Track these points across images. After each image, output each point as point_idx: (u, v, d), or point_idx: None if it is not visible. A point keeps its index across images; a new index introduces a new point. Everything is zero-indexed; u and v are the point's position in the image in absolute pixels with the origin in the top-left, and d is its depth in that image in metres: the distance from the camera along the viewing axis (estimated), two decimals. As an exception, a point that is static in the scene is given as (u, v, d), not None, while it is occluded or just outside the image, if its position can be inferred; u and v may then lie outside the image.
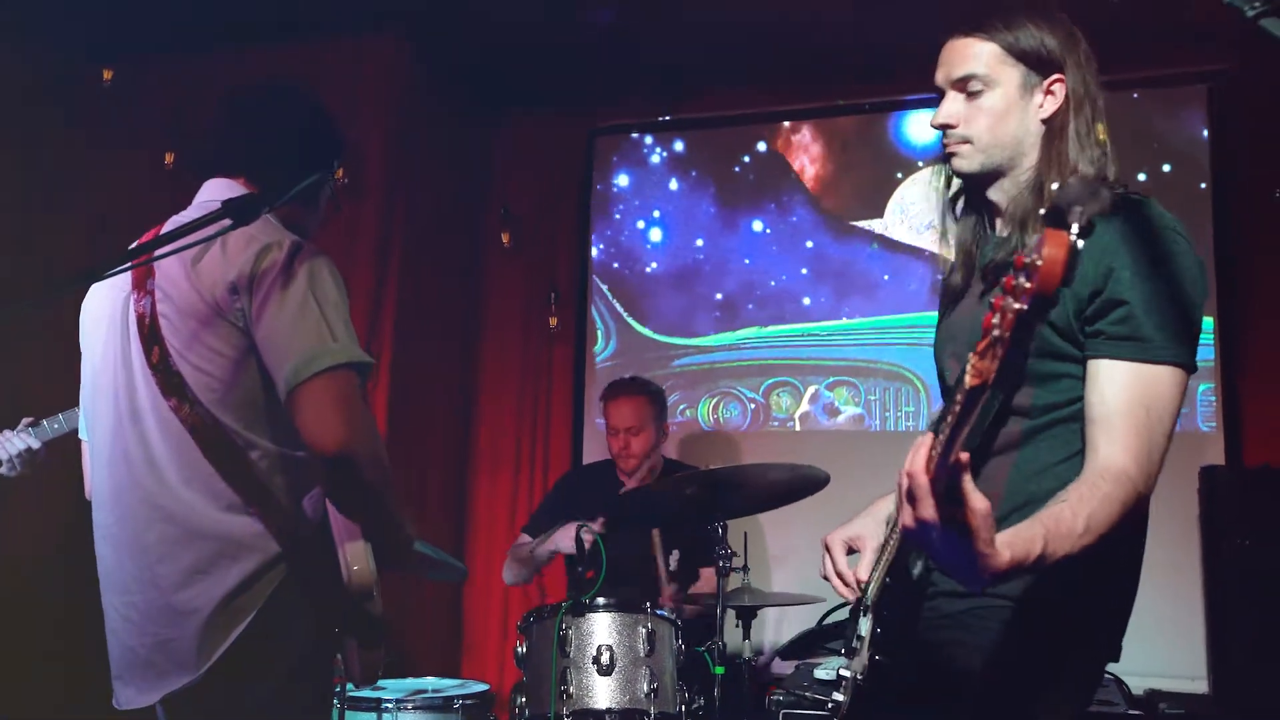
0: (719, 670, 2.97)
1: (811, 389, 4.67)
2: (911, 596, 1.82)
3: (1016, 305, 1.09)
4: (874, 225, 4.76)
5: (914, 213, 4.76)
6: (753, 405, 4.74)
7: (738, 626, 3.28)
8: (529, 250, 5.05)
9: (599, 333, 5.00)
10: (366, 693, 3.23)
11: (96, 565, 2.01)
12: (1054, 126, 1.75)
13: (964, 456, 1.29)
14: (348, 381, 1.79)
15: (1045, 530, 1.45)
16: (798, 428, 4.70)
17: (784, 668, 3.92)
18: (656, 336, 4.91)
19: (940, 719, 1.74)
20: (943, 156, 1.83)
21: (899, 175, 4.75)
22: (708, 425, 4.81)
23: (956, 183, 1.92)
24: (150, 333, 1.89)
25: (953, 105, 1.77)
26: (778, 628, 4.28)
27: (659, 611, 2.96)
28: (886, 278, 4.67)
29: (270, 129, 2.05)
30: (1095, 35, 1.82)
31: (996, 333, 1.12)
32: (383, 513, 1.89)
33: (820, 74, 4.72)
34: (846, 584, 1.93)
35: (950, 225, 1.93)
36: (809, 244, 4.81)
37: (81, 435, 2.16)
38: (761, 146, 4.94)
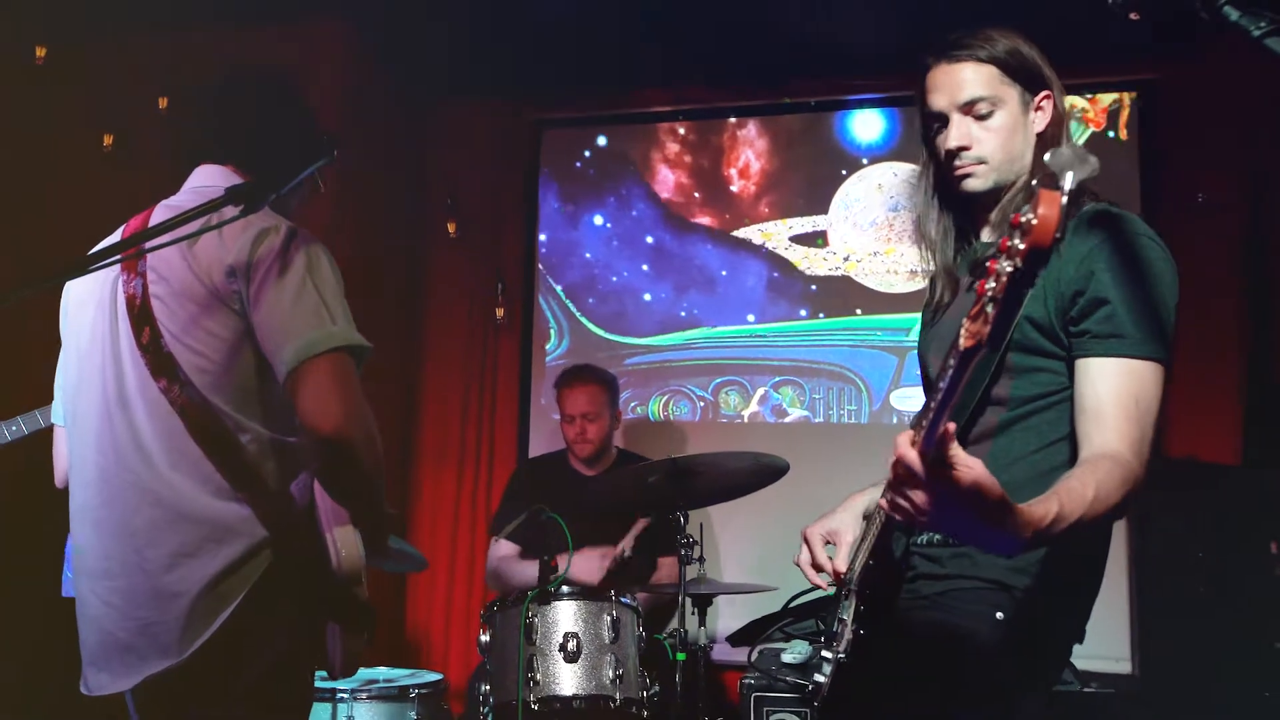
0: (680, 656, 3.03)
1: (760, 389, 4.77)
2: (893, 578, 1.91)
3: (1010, 266, 1.16)
4: (818, 222, 4.86)
5: (858, 210, 4.87)
6: (702, 403, 4.83)
7: (694, 614, 3.34)
8: (475, 241, 5.04)
9: (551, 331, 5.03)
10: (320, 683, 3.21)
11: (71, 552, 1.99)
12: (1046, 139, 1.86)
13: (950, 427, 1.38)
14: (346, 365, 1.80)
15: (1058, 495, 1.52)
16: (746, 425, 4.79)
17: (728, 654, 4.00)
18: (608, 335, 4.96)
19: (920, 696, 1.81)
20: (952, 179, 1.89)
21: (844, 172, 4.85)
22: (658, 422, 4.88)
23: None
24: (141, 314, 1.88)
25: (963, 128, 1.85)
26: (722, 615, 4.35)
27: (623, 599, 3.01)
28: (814, 288, 4.81)
29: (267, 116, 2.05)
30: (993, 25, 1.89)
31: (990, 293, 1.19)
32: (373, 499, 1.88)
33: (768, 71, 4.81)
34: (809, 578, 2.01)
35: (939, 245, 2.00)
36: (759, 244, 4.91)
37: (55, 421, 2.12)
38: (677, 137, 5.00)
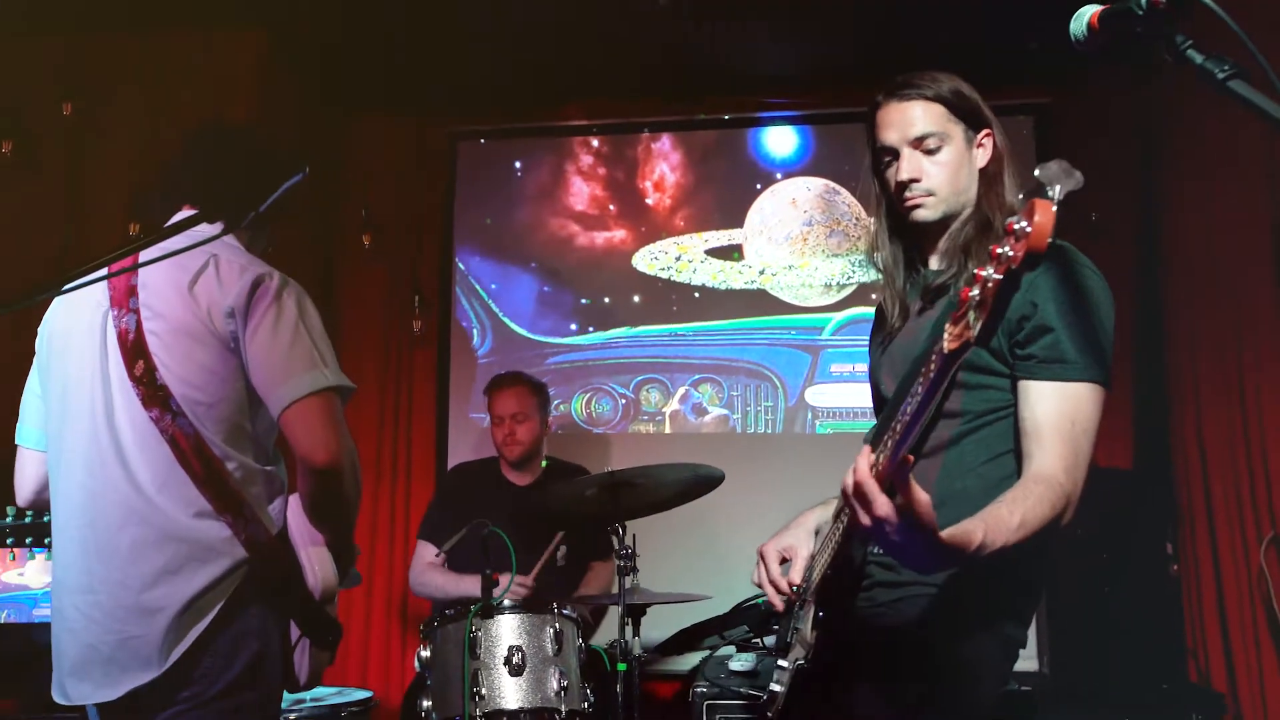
0: (621, 667, 3.07)
1: (679, 387, 4.88)
2: (849, 586, 1.99)
3: (1001, 270, 1.26)
4: (734, 236, 4.97)
5: (773, 224, 4.99)
6: (624, 400, 4.92)
7: (628, 624, 3.37)
8: (390, 254, 5.00)
9: (474, 331, 5.05)
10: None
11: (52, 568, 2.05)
12: (988, 174, 1.98)
13: (909, 458, 1.49)
14: (336, 403, 1.98)
15: (985, 524, 1.64)
16: (666, 422, 4.90)
17: (657, 663, 4.06)
18: (531, 335, 5.02)
19: (880, 700, 1.90)
20: (902, 209, 1.99)
21: (758, 187, 4.97)
22: (581, 419, 4.95)
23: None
24: (134, 348, 1.98)
25: (913, 161, 1.95)
26: (646, 626, 4.39)
27: (564, 611, 3.03)
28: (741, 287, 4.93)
29: (237, 163, 2.15)
30: (933, 68, 2.02)
31: (978, 297, 1.29)
32: (350, 525, 2.06)
33: (683, 87, 4.90)
34: (780, 591, 2.08)
35: (891, 273, 2.10)
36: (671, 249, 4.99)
37: (20, 442, 2.20)
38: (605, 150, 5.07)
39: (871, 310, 4.76)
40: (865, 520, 1.53)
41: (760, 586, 2.14)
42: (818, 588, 2.00)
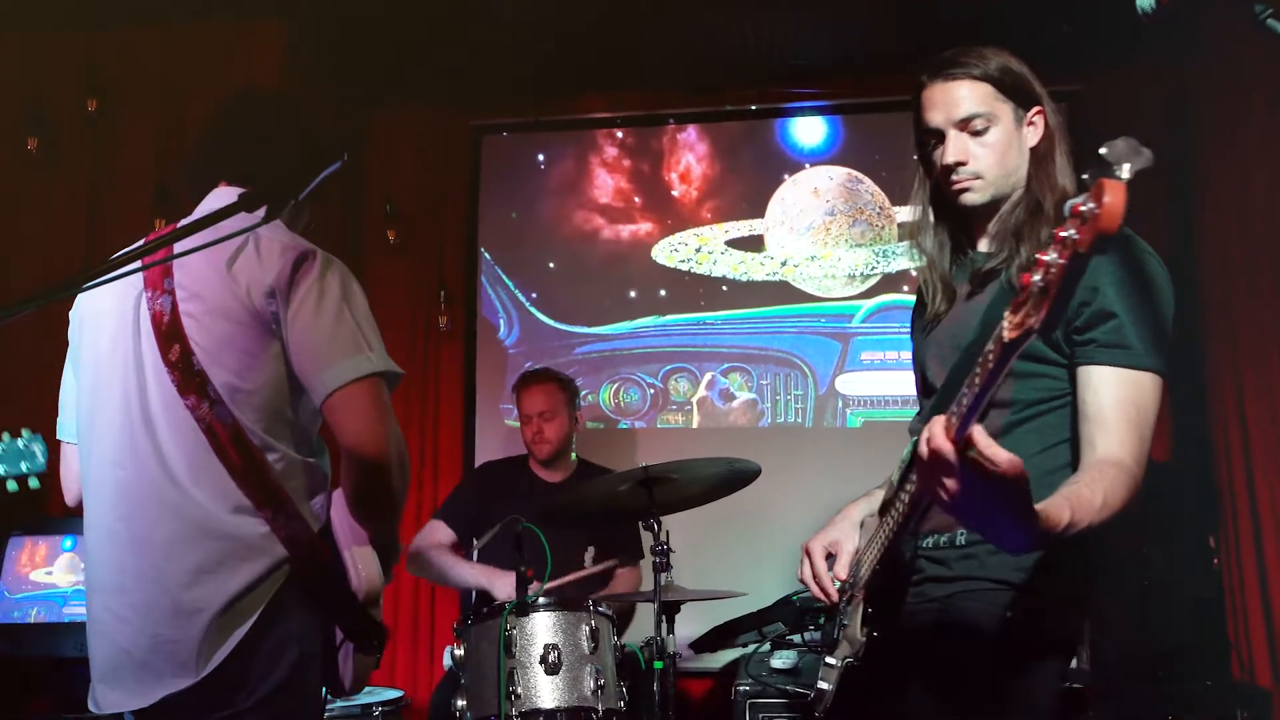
0: (658, 665, 3.02)
1: (708, 375, 4.82)
2: (899, 582, 1.93)
3: (1066, 255, 1.19)
4: (755, 226, 4.90)
5: (794, 214, 4.92)
6: (652, 390, 4.87)
7: (662, 622, 3.32)
8: (416, 248, 4.96)
9: (501, 321, 5.01)
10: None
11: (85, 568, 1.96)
12: (1039, 154, 1.91)
13: (978, 429, 1.41)
14: (383, 390, 1.86)
15: (1070, 502, 1.57)
16: (695, 411, 4.84)
17: (691, 661, 4.01)
18: (558, 325, 4.96)
19: (935, 695, 1.84)
20: (949, 193, 1.92)
21: (785, 177, 4.90)
22: (609, 409, 4.90)
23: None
24: (170, 330, 1.87)
25: (959, 144, 1.88)
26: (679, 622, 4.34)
27: (600, 608, 2.98)
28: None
29: (271, 136, 2.04)
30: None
31: (1041, 283, 1.22)
32: (395, 521, 1.95)
33: (708, 77, 4.84)
34: (825, 587, 2.03)
35: (936, 257, 2.03)
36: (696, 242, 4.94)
37: (63, 438, 2.10)
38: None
39: (902, 297, 4.79)
40: (943, 489, 1.43)
41: (805, 583, 2.09)
42: (867, 583, 1.94)
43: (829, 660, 2.04)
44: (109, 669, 1.87)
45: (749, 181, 4.96)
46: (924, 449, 1.47)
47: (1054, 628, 1.83)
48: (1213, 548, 4.10)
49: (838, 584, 2.03)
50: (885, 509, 1.94)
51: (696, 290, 4.91)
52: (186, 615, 1.80)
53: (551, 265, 5.03)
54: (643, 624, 3.89)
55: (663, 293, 4.93)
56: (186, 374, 1.85)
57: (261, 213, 1.68)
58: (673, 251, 4.97)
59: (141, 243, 2.00)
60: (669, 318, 4.90)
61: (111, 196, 4.26)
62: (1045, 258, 1.21)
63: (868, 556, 1.96)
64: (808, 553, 2.09)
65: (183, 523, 1.83)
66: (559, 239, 5.03)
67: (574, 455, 4.13)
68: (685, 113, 5.02)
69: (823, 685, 2.06)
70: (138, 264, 1.77)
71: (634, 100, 5.02)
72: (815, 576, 2.06)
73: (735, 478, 3.13)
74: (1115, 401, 1.73)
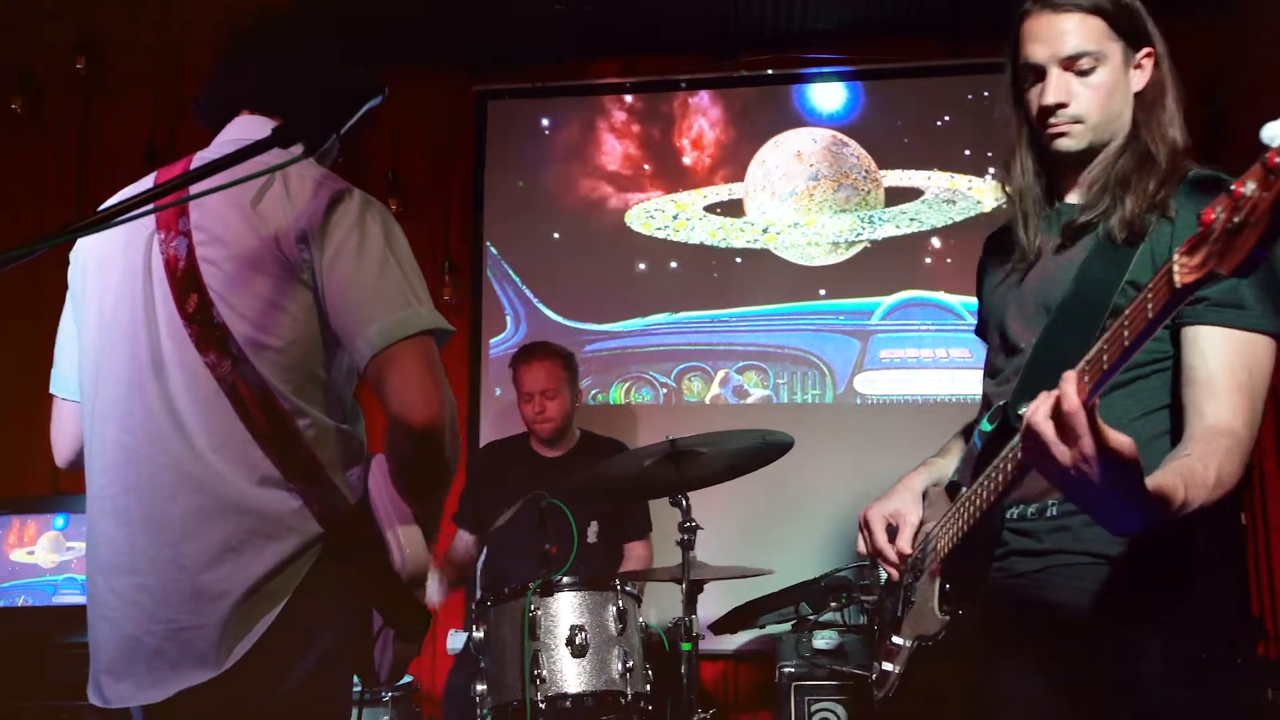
0: (686, 646, 2.88)
1: (721, 373, 4.64)
2: (982, 556, 1.79)
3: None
4: (734, 191, 4.73)
5: (776, 178, 4.75)
6: (665, 389, 4.67)
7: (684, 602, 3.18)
8: (419, 218, 4.78)
9: (507, 318, 4.80)
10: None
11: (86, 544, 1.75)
12: (1147, 100, 1.75)
13: (1095, 401, 1.31)
14: (434, 349, 1.65)
15: (1183, 479, 1.44)
16: (707, 404, 4.66)
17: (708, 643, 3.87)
18: (566, 321, 4.75)
19: (1032, 677, 1.71)
20: (1044, 136, 1.78)
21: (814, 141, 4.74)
22: (618, 406, 4.70)
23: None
24: (186, 278, 1.66)
25: (1062, 83, 1.72)
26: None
27: (627, 588, 2.84)
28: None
29: (308, 60, 1.84)
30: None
31: (1238, 221, 1.08)
32: (444, 495, 1.75)
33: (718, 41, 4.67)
34: (892, 560, 1.90)
35: (1026, 203, 1.87)
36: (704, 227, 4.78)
37: (56, 392, 1.88)
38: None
39: (922, 293, 4.64)
40: (1067, 459, 1.31)
41: (870, 555, 1.95)
42: (945, 559, 1.80)
43: (895, 640, 1.91)
44: (116, 658, 1.66)
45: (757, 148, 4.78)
46: (1038, 416, 1.34)
47: (1157, 604, 1.70)
48: (1242, 524, 3.99)
49: (904, 559, 1.90)
50: (975, 476, 1.81)
51: (709, 263, 4.73)
52: (207, 600, 1.61)
53: (558, 247, 4.84)
54: (655, 603, 3.76)
55: (674, 264, 4.76)
56: (206, 327, 1.64)
57: (298, 149, 1.52)
58: (649, 218, 4.78)
59: (151, 179, 1.82)
60: (682, 314, 4.70)
61: (101, 157, 4.07)
62: (1243, 189, 1.06)
63: (944, 530, 1.82)
64: (868, 523, 1.95)
65: (202, 496, 1.63)
66: (565, 211, 4.85)
67: (577, 430, 3.98)
68: (698, 78, 4.84)
69: (887, 667, 1.93)
70: (150, 205, 1.55)
71: (646, 64, 4.84)
72: (878, 549, 1.92)
73: (767, 450, 2.99)
74: (1226, 365, 1.60)
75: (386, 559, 1.69)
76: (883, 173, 4.69)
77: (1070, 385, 1.30)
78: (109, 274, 1.75)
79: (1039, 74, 1.75)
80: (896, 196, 4.68)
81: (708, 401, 4.65)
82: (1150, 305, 1.21)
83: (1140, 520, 1.39)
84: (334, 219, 1.64)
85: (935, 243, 4.60)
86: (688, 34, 4.65)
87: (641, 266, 4.77)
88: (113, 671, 1.66)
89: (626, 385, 4.69)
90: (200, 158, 1.78)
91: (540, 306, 4.79)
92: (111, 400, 1.71)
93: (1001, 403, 1.79)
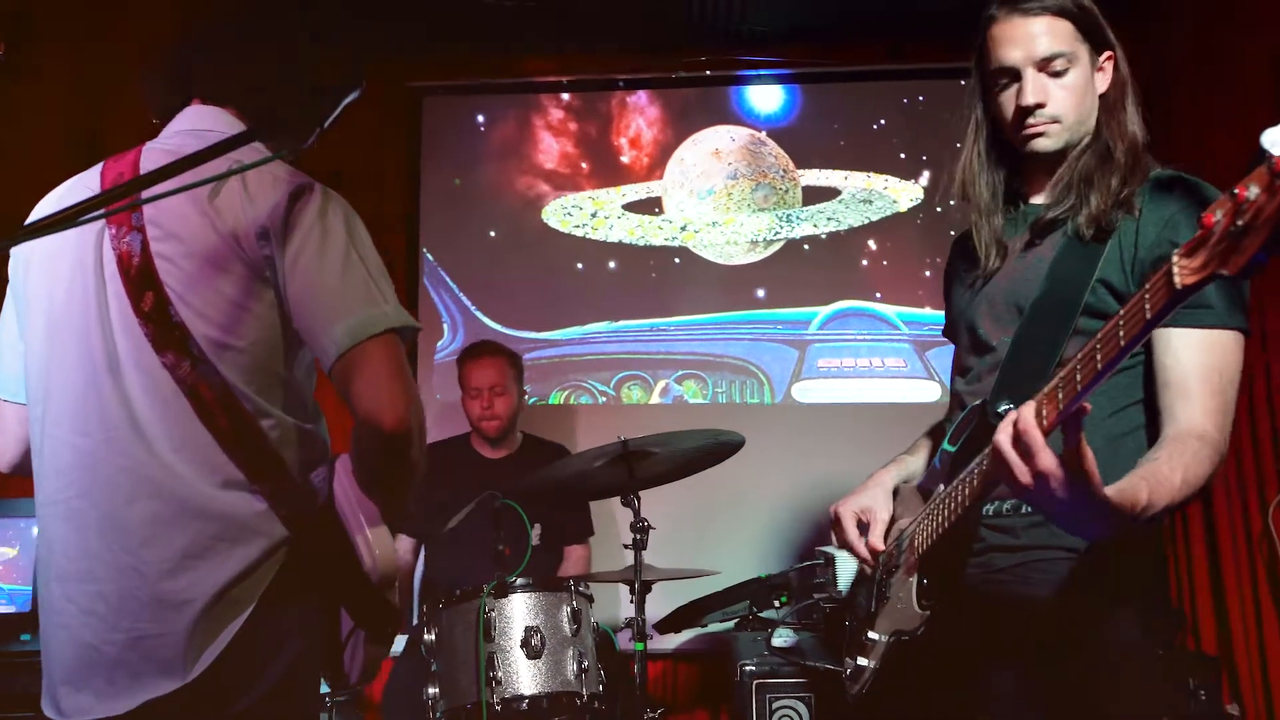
0: (639, 646, 2.87)
1: (661, 382, 4.63)
2: (959, 551, 1.82)
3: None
4: (653, 189, 4.74)
5: (694, 176, 4.75)
6: (604, 398, 4.64)
7: (632, 602, 3.17)
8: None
9: (445, 326, 4.72)
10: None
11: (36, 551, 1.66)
12: (1109, 101, 1.80)
13: (1087, 406, 1.36)
14: (400, 347, 1.60)
15: (1146, 482, 1.49)
16: (650, 406, 4.65)
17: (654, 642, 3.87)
18: (505, 329, 4.68)
19: (1011, 673, 1.73)
20: (1019, 137, 1.81)
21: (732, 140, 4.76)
22: (557, 406, 4.66)
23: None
24: (140, 275, 1.58)
25: (1039, 84, 1.76)
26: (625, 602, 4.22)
27: (580, 588, 2.82)
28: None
29: (271, 51, 1.76)
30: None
31: (1242, 224, 1.10)
32: (410, 496, 1.68)
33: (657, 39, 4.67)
34: (861, 555, 1.93)
35: (989, 207, 1.90)
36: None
37: (1, 395, 1.78)
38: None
39: (859, 303, 4.69)
40: (1025, 478, 1.38)
41: (844, 549, 1.97)
42: (924, 555, 1.82)
43: (870, 635, 1.92)
44: (74, 669, 1.59)
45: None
46: (1003, 436, 1.41)
47: (1141, 604, 1.74)
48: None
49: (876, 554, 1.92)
50: (951, 477, 1.84)
51: (647, 263, 4.72)
52: (170, 607, 1.55)
53: (493, 234, 4.78)
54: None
55: (612, 264, 4.74)
56: (163, 327, 1.57)
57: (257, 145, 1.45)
58: (566, 215, 4.74)
59: (97, 172, 1.72)
60: (621, 323, 4.68)
61: (18, 148, 3.88)
62: (1246, 193, 1.08)
63: (920, 526, 1.84)
64: (838, 517, 1.97)
65: (163, 500, 1.56)
66: (502, 207, 4.79)
67: (520, 433, 3.94)
68: (636, 78, 4.83)
69: (861, 662, 1.94)
70: (114, 204, 1.46)
71: (584, 62, 4.81)
72: (849, 543, 1.94)
73: (719, 449, 2.99)
74: (1198, 367, 1.64)
75: (356, 560, 1.65)
76: (800, 172, 4.72)
77: (1026, 409, 1.37)
78: (57, 269, 1.66)
79: (1013, 76, 1.78)
80: (814, 196, 4.71)
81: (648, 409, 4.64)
82: (1148, 306, 1.24)
83: (1103, 529, 1.46)
84: (295, 215, 1.58)
85: (872, 247, 4.66)
86: (628, 32, 4.62)
87: (579, 266, 4.74)
88: (71, 682, 1.59)
89: (565, 394, 4.66)
90: (151, 148, 1.71)
91: (477, 314, 4.72)
92: (64, 402, 1.63)
93: (976, 401, 1.82)
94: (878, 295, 4.62)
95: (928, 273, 4.59)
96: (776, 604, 3.47)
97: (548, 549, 3.73)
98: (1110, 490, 1.41)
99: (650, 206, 4.74)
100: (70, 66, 3.94)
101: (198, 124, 1.72)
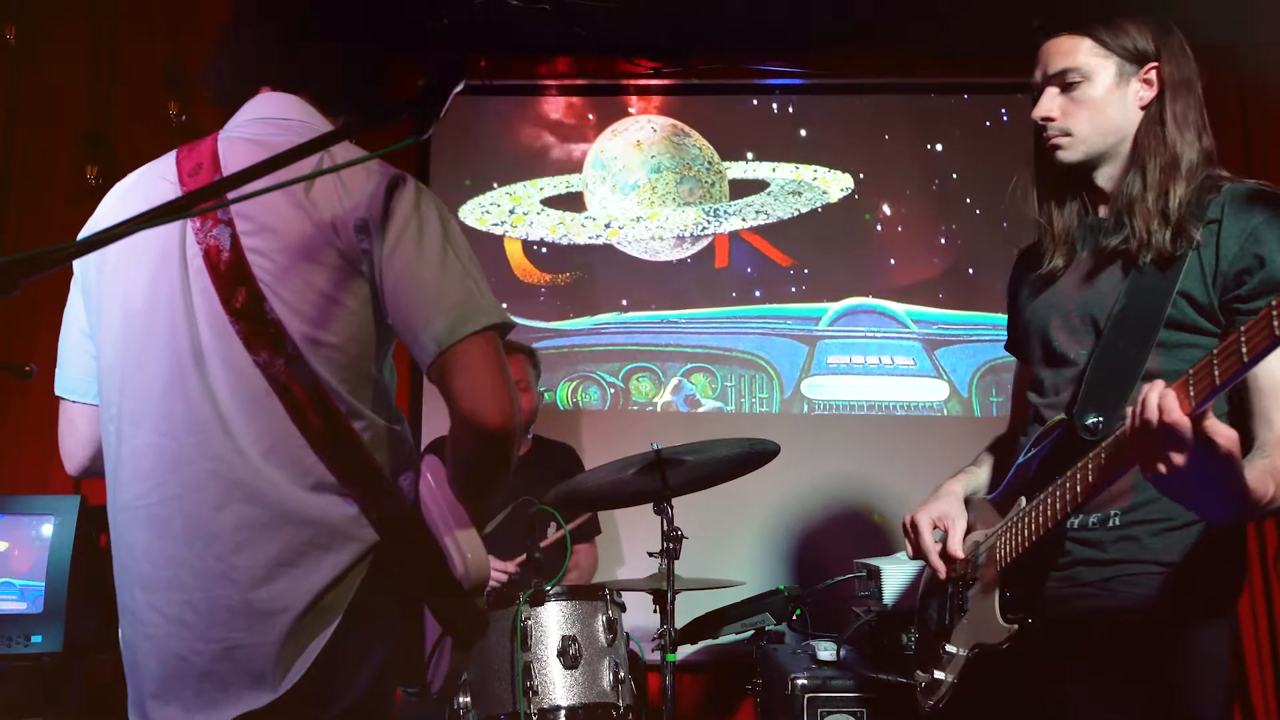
0: (671, 658, 2.82)
1: (672, 377, 4.58)
2: (1043, 564, 1.80)
3: None
4: (573, 183, 4.66)
5: (616, 169, 4.67)
6: (612, 390, 4.58)
7: (655, 612, 3.13)
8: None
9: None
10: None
11: (113, 557, 1.59)
12: (1151, 113, 1.84)
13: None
14: (500, 345, 1.56)
15: (1271, 476, 1.51)
16: (657, 412, 4.59)
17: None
18: (513, 318, 4.58)
19: (1102, 688, 1.71)
20: (1047, 150, 1.89)
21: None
22: (567, 408, 4.59)
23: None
24: (232, 271, 1.52)
25: (1050, 99, 1.87)
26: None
27: (616, 597, 2.77)
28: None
29: (338, 34, 1.70)
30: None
31: None
32: (496, 496, 1.64)
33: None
34: (941, 564, 1.92)
35: (1053, 212, 1.96)
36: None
37: (64, 394, 1.71)
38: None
39: (869, 301, 4.67)
40: (1179, 463, 1.39)
41: (921, 558, 1.96)
42: (1007, 567, 1.80)
43: (949, 649, 1.90)
44: (163, 680, 1.52)
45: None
46: (1154, 416, 1.38)
47: (1224, 620, 1.74)
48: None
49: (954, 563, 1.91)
50: (1013, 491, 1.83)
51: (660, 278, 4.68)
52: (263, 617, 1.49)
53: (503, 244, 4.72)
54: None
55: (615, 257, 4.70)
56: (256, 323, 1.51)
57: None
58: (484, 214, 4.65)
59: (171, 159, 1.66)
60: (632, 314, 4.62)
61: (32, 136, 3.79)
62: None
63: (1004, 538, 1.82)
64: (915, 525, 1.95)
65: (255, 506, 1.50)
66: (511, 215, 4.73)
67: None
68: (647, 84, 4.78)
69: (938, 675, 1.92)
70: (208, 202, 1.38)
71: (589, 66, 4.76)
72: (926, 551, 1.93)
73: (753, 458, 2.95)
74: None
75: (446, 566, 1.59)
76: (726, 164, 4.66)
77: (1169, 399, 1.38)
78: (136, 264, 1.59)
79: (1038, 93, 1.89)
80: (741, 189, 4.65)
81: (658, 405, 4.58)
82: (1245, 342, 1.30)
83: (1236, 511, 1.48)
84: (392, 207, 1.53)
85: (884, 250, 4.64)
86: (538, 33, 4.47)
87: (593, 274, 4.69)
88: (160, 695, 1.52)
89: (574, 384, 4.58)
90: (229, 137, 1.65)
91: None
92: (145, 402, 1.56)
93: (1058, 415, 1.81)
94: (889, 295, 4.58)
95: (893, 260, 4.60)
96: (794, 617, 3.44)
97: (556, 552, 3.68)
98: (1248, 475, 1.44)
99: (571, 202, 4.63)
100: (81, 50, 3.84)
101: (275, 112, 1.66)
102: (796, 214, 4.61)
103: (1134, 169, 1.82)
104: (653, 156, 4.63)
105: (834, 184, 4.63)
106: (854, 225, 4.64)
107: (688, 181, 4.64)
